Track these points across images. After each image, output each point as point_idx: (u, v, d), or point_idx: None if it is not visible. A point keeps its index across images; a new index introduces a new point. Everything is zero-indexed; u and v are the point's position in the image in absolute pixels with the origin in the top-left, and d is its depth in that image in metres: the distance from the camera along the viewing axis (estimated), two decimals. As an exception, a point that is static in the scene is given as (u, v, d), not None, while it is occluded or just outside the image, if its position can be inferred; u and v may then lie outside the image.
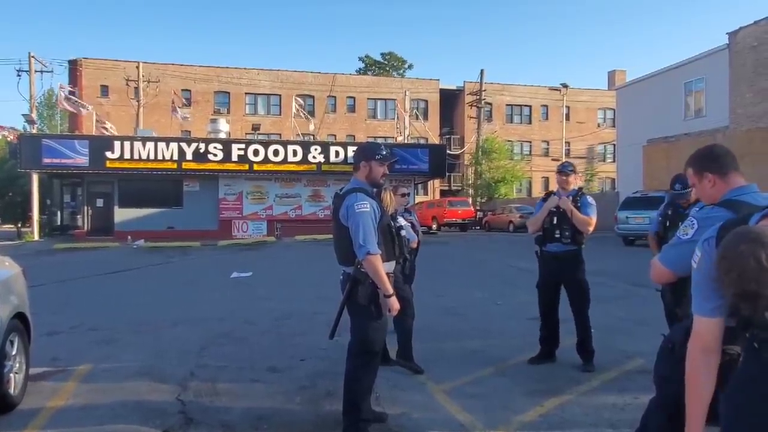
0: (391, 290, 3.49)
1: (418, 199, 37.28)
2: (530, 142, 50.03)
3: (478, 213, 36.30)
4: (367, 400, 3.72)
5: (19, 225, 37.07)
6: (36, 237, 27.69)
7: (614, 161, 37.57)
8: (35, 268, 15.28)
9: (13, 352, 4.44)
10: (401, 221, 5.10)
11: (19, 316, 4.66)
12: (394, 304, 3.51)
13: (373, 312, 3.52)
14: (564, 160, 6.37)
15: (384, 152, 3.79)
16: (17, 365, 4.49)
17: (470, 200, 39.63)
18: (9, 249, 22.82)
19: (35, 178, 27.61)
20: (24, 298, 4.90)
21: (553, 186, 5.93)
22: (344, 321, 3.68)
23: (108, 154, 25.48)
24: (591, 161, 49.81)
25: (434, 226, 32.09)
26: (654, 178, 23.13)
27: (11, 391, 4.32)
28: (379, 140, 39.48)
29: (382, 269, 3.44)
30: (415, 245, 5.57)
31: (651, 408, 2.70)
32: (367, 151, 3.77)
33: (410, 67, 60.93)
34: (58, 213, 30.77)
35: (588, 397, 4.57)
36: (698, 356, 2.06)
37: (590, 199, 5.58)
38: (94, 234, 26.41)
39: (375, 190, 3.71)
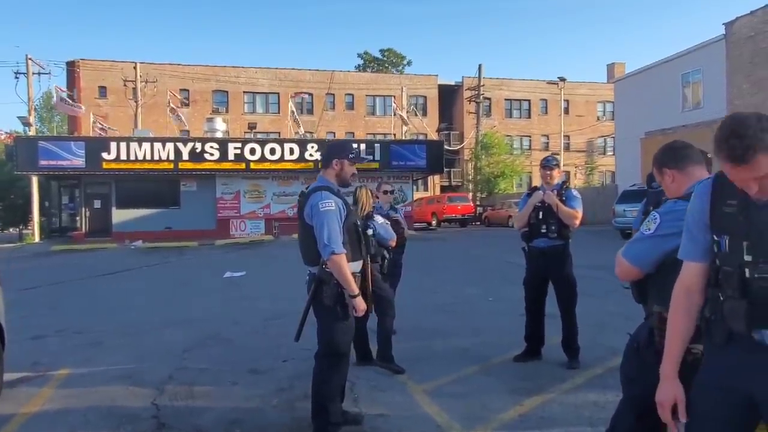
0: (356, 290, 3.40)
1: (418, 195, 37.18)
2: (530, 136, 49.84)
3: (478, 208, 36.19)
4: (337, 402, 3.63)
5: (21, 227, 37.17)
6: (36, 239, 27.72)
7: (614, 154, 37.42)
8: (31, 271, 15.31)
9: (-15, 359, 4.37)
10: (379, 219, 5.01)
11: (-8, 322, 4.58)
12: (360, 304, 3.42)
13: (339, 313, 3.43)
14: (548, 155, 6.26)
15: (356, 152, 3.72)
16: (-11, 372, 4.42)
17: (470, 196, 39.53)
18: (7, 252, 22.85)
19: (35, 180, 27.63)
20: (-2, 305, 4.82)
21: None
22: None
23: (104, 155, 25.42)
24: (591, 155, 49.61)
25: (434, 222, 32.02)
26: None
27: (-18, 398, 4.26)
28: (378, 137, 39.42)
29: (347, 269, 3.36)
30: (393, 244, 5.45)
31: (620, 409, 2.62)
32: (340, 149, 3.69)
33: (409, 63, 60.85)
34: (57, 215, 30.77)
35: (570, 395, 4.49)
36: (681, 295, 2.01)
37: (575, 192, 5.49)
38: (93, 235, 26.36)
39: (340, 188, 3.62)
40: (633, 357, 2.47)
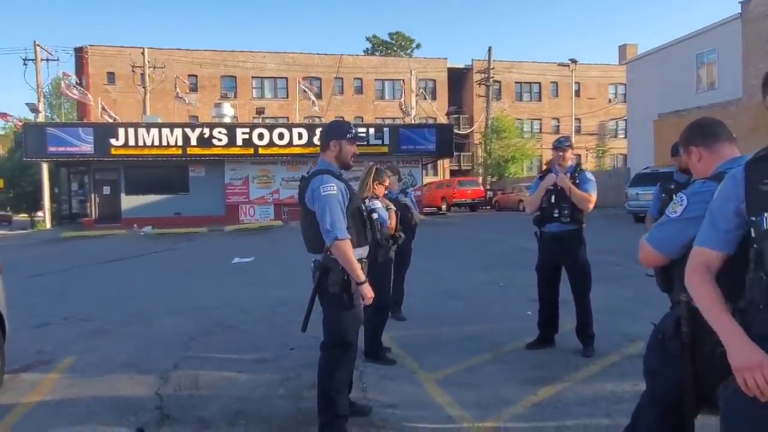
0: (362, 277, 3.26)
1: (427, 179, 36.96)
2: (540, 119, 49.33)
3: (488, 193, 35.91)
4: (344, 394, 3.50)
5: (32, 214, 37.35)
6: (48, 225, 27.82)
7: (626, 137, 36.95)
8: (41, 257, 15.32)
9: (-15, 348, 4.29)
10: (377, 203, 4.83)
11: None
12: (367, 292, 3.27)
13: (345, 301, 3.29)
14: (561, 136, 6.07)
15: (354, 131, 3.54)
16: (-10, 361, 4.34)
17: (480, 180, 39.22)
18: (18, 238, 22.95)
19: (45, 167, 27.65)
20: (-1, 294, 4.73)
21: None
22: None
23: (113, 141, 25.41)
24: (602, 138, 49.06)
25: (443, 207, 31.82)
26: (665, 154, 22.51)
27: (-16, 387, 4.18)
28: (387, 121, 39.13)
29: (353, 255, 3.21)
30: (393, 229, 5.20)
31: (642, 402, 2.47)
32: (337, 130, 3.52)
33: (418, 46, 60.16)
34: (68, 201, 30.84)
35: (585, 385, 4.35)
36: (702, 270, 1.88)
37: (589, 175, 5.30)
38: (103, 221, 26.42)
39: (342, 171, 3.46)
40: (657, 348, 2.31)
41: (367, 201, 4.55)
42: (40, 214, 29.31)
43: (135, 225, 24.34)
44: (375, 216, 3.84)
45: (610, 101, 49.49)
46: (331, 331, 3.40)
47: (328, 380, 3.38)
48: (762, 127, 17.59)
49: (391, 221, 5.13)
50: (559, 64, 42.43)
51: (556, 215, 5.20)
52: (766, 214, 1.67)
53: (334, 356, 3.40)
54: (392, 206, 5.30)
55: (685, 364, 2.15)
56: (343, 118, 42.05)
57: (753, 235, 1.71)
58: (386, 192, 5.46)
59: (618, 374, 4.52)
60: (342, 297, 3.29)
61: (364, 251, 3.46)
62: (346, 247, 3.18)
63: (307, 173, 3.44)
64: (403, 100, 34.24)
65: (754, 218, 1.70)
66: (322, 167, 3.40)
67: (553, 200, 5.22)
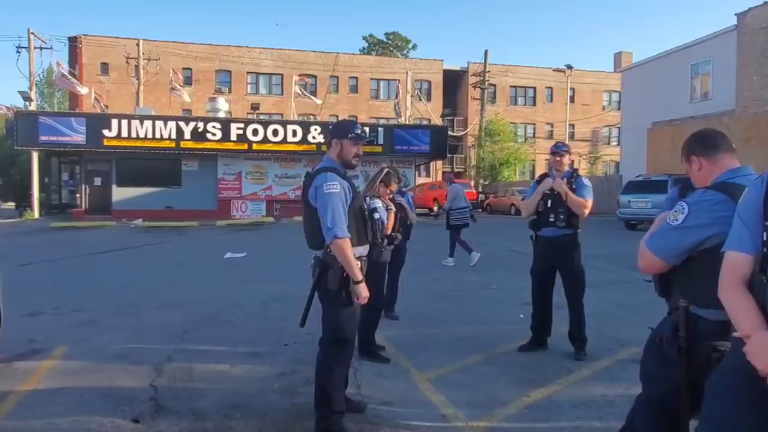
0: (359, 276, 3.28)
1: (420, 180, 37.01)
2: (534, 124, 49.51)
3: (480, 195, 36.01)
4: (341, 390, 3.52)
5: (21, 204, 37.05)
6: (36, 215, 27.60)
7: (618, 144, 37.18)
8: (30, 247, 15.21)
9: (-21, 336, 4.27)
10: (377, 203, 4.85)
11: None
12: (363, 291, 3.29)
13: (344, 298, 3.31)
14: (558, 141, 6.11)
15: (358, 131, 3.55)
16: (-16, 349, 4.32)
17: (472, 183, 39.31)
18: (7, 227, 22.76)
19: (35, 156, 27.42)
20: (-8, 282, 4.70)
21: None
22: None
23: (105, 132, 25.27)
24: (595, 144, 49.34)
25: (435, 208, 31.87)
26: (658, 162, 22.84)
27: (-23, 375, 4.16)
28: (382, 121, 39.14)
29: (351, 254, 3.23)
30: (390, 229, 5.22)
31: (637, 406, 2.52)
32: (340, 129, 3.55)
33: (414, 47, 60.34)
34: (57, 191, 30.61)
35: (577, 388, 4.39)
36: (737, 281, 1.84)
37: (586, 181, 5.35)
38: (93, 213, 26.26)
39: (346, 170, 3.48)
40: (654, 353, 2.36)
41: (368, 199, 4.57)
42: (29, 202, 29.08)
43: (125, 218, 24.24)
44: (377, 216, 3.86)
45: (604, 108, 49.75)
46: (329, 327, 3.43)
47: (325, 376, 3.40)
48: (754, 138, 17.79)
49: (390, 221, 5.15)
50: (555, 70, 42.63)
51: (552, 220, 5.24)
52: None
53: (331, 352, 3.42)
54: (392, 206, 5.32)
55: (681, 369, 2.19)
56: (337, 116, 42.05)
57: (765, 238, 1.75)
58: (392, 195, 5.48)
59: (610, 378, 4.57)
60: (341, 294, 3.31)
61: (364, 250, 3.48)
62: (345, 246, 3.20)
63: (312, 170, 3.45)
64: (398, 101, 34.23)
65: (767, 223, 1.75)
66: (327, 165, 3.42)
67: (549, 204, 5.26)
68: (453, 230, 12.28)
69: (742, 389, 1.78)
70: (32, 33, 30.54)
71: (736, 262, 1.84)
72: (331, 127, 3.62)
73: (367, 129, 27.89)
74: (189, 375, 4.63)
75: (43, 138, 24.90)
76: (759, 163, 2.27)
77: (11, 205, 40.14)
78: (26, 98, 29.58)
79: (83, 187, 27.51)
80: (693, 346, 2.18)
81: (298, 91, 32.23)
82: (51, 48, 32.46)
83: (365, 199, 4.17)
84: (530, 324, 5.44)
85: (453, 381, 4.53)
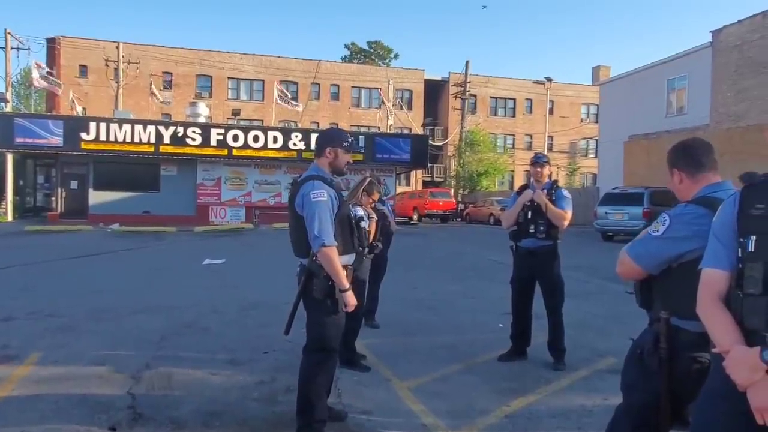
0: (346, 284, 3.29)
1: (400, 189, 37.08)
2: (513, 135, 49.96)
3: (460, 205, 36.20)
4: (323, 399, 3.51)
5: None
6: (9, 218, 27.09)
7: (596, 156, 37.67)
8: (3, 250, 14.92)
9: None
10: (359, 211, 4.86)
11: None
12: (350, 299, 3.30)
13: (329, 306, 3.31)
14: (538, 152, 6.18)
15: (351, 140, 3.60)
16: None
17: (452, 192, 39.52)
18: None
19: (9, 158, 26.94)
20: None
21: None
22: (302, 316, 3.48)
23: (83, 135, 24.92)
24: (573, 156, 49.92)
25: (415, 217, 31.97)
26: (634, 175, 23.17)
27: (-51, 381, 4.07)
28: (363, 129, 39.21)
29: (338, 262, 3.24)
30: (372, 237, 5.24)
31: (617, 416, 2.55)
32: (335, 138, 3.57)
33: (396, 56, 60.63)
34: (32, 194, 30.09)
35: (556, 398, 4.43)
36: (713, 298, 1.86)
37: (565, 193, 5.42)
38: (68, 216, 25.81)
39: (333, 179, 3.49)
40: (635, 363, 2.40)
41: (350, 207, 4.59)
42: (2, 205, 28.57)
43: (101, 222, 23.90)
44: (363, 224, 3.87)
45: (582, 120, 50.42)
46: (313, 335, 3.42)
47: (308, 384, 3.39)
48: (728, 153, 18.11)
49: (371, 230, 5.16)
50: (535, 82, 43.12)
51: (532, 231, 5.29)
52: (752, 238, 1.76)
53: (315, 360, 3.42)
54: (374, 215, 5.34)
55: (662, 379, 2.23)
56: (318, 123, 42.05)
57: (740, 255, 1.79)
58: (374, 204, 5.50)
59: (588, 388, 4.62)
60: (326, 302, 3.31)
61: (350, 258, 3.49)
62: (332, 254, 3.21)
63: (298, 178, 3.46)
64: (389, 105, 34.42)
65: (742, 239, 1.79)
66: (314, 173, 3.43)
67: (529, 216, 5.31)
68: None
69: (726, 414, 1.80)
70: (9, 33, 30.12)
71: (712, 279, 1.88)
72: (322, 135, 3.62)
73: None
74: (167, 382, 4.58)
75: (19, 140, 24.47)
76: (732, 178, 2.31)
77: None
78: (2, 99, 29.10)
79: (59, 190, 27.06)
80: (674, 357, 2.22)
81: (279, 95, 32.09)
82: (28, 49, 32.11)
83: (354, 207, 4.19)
84: (510, 333, 5.48)
85: (433, 390, 4.55)
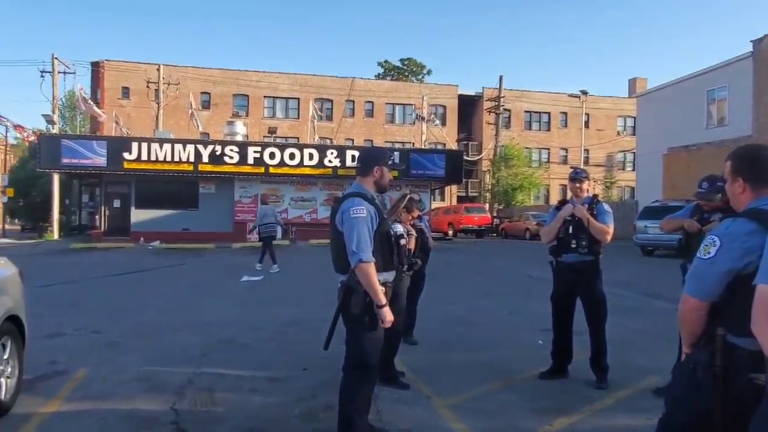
0: (383, 301, 3.29)
1: (435, 204, 37.03)
2: (548, 149, 49.54)
3: (495, 220, 35.94)
4: (364, 416, 3.51)
5: (40, 224, 37.53)
6: (56, 236, 27.95)
7: (633, 170, 37.03)
8: (50, 268, 15.39)
9: (5, 356, 4.31)
10: (399, 228, 4.87)
11: (13, 319, 4.51)
12: (387, 315, 3.30)
13: (368, 323, 3.32)
14: (576, 167, 6.12)
15: (394, 158, 3.67)
16: (9, 369, 4.36)
17: (487, 207, 39.30)
18: (27, 248, 23.04)
19: (56, 178, 27.87)
20: (19, 300, 4.76)
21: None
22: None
23: (125, 155, 25.65)
24: (610, 169, 49.19)
25: (450, 233, 31.85)
26: (674, 187, 22.70)
27: (2, 396, 4.20)
28: (397, 145, 39.37)
29: (375, 278, 3.25)
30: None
31: (658, 429, 2.46)
32: (379, 156, 3.62)
33: (429, 72, 60.77)
34: (77, 213, 30.98)
35: (600, 417, 4.34)
36: (764, 320, 1.82)
37: (606, 207, 5.34)
38: (111, 234, 26.54)
39: (375, 196, 3.52)
40: (684, 378, 2.32)
41: (390, 224, 4.61)
42: (49, 223, 29.52)
43: (142, 239, 24.44)
44: (403, 242, 3.88)
45: (618, 133, 49.72)
46: (352, 352, 3.43)
47: (349, 401, 3.40)
48: (772, 164, 17.61)
49: (411, 246, 5.16)
50: (570, 95, 42.75)
51: (573, 246, 5.20)
52: None
53: (355, 377, 3.42)
54: (413, 231, 5.34)
55: (715, 397, 2.16)
56: (353, 140, 42.37)
57: None
58: (413, 221, 5.51)
59: (632, 408, 4.51)
60: (363, 319, 3.32)
61: (390, 275, 3.50)
62: (369, 270, 3.23)
63: (342, 194, 3.51)
64: (426, 114, 34.62)
65: None
66: (356, 190, 3.47)
67: (570, 231, 5.23)
68: (264, 242, 14.75)
69: None
70: (56, 58, 31.25)
71: (767, 296, 1.82)
72: (367, 154, 3.68)
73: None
74: (209, 399, 4.64)
75: (66, 160, 25.35)
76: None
77: (31, 226, 40.68)
78: (49, 121, 30.19)
79: (103, 208, 27.86)
80: (729, 376, 2.14)
81: (313, 114, 32.48)
82: (74, 73, 33.37)
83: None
84: (550, 350, 5.40)
85: (473, 408, 4.50)
